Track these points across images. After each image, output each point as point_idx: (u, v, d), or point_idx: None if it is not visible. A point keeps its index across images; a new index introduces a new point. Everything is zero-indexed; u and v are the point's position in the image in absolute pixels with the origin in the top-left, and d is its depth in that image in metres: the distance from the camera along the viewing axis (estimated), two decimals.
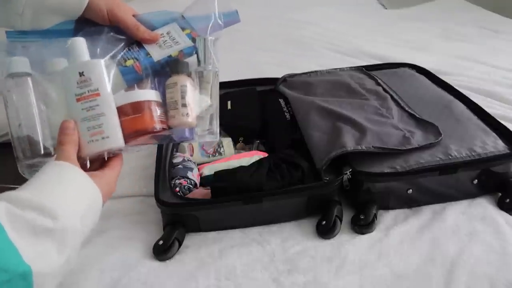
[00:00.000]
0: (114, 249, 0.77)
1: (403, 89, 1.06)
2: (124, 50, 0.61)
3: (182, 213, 0.79)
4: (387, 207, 0.83)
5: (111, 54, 0.59)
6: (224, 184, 0.81)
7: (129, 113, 0.57)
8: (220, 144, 0.97)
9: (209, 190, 0.82)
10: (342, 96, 1.04)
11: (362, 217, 0.78)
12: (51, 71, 0.55)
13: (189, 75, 0.61)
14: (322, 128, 0.91)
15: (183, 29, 0.63)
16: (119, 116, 0.56)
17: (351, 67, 1.23)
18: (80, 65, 0.54)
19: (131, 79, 0.59)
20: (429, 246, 0.74)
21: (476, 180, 0.82)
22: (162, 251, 0.74)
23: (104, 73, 0.55)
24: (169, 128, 0.60)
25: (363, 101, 1.00)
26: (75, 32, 0.59)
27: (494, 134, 0.87)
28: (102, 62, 0.56)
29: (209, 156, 0.95)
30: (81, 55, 0.55)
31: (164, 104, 0.60)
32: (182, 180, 0.84)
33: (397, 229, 0.78)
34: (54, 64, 0.55)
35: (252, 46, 1.74)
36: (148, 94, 0.58)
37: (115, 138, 0.55)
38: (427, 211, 0.82)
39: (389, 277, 0.69)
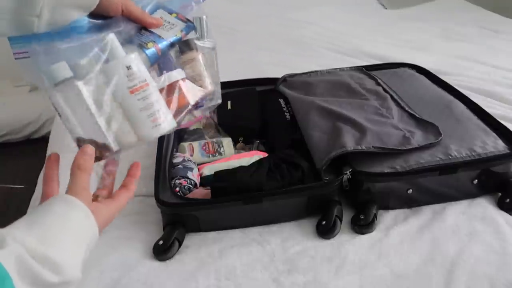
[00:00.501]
0: (114, 249, 0.77)
1: (403, 89, 1.07)
2: (138, 35, 0.63)
3: (182, 213, 0.79)
4: (387, 207, 0.83)
5: (134, 43, 0.62)
6: (224, 184, 0.81)
7: (169, 94, 0.60)
8: (220, 144, 0.97)
9: (209, 190, 0.82)
10: (342, 96, 1.04)
11: (362, 217, 0.78)
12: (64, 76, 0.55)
13: (197, 50, 0.66)
14: (322, 128, 0.91)
15: (170, 13, 0.67)
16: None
17: (351, 67, 1.23)
18: (125, 59, 0.56)
19: (154, 60, 0.63)
20: (429, 246, 0.74)
21: (476, 180, 0.82)
22: (162, 251, 0.74)
23: (143, 63, 0.58)
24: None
25: (363, 101, 1.00)
26: (90, 27, 0.59)
27: (494, 134, 0.87)
28: (138, 54, 0.58)
29: (209, 156, 0.95)
30: (119, 50, 0.57)
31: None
32: (182, 180, 0.84)
33: (397, 229, 0.78)
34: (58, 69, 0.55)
35: (252, 46, 1.74)
36: (178, 73, 0.62)
37: (170, 121, 0.59)
38: (427, 211, 0.82)
39: (389, 277, 0.69)
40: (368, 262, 0.72)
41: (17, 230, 0.43)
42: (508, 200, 0.82)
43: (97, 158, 0.55)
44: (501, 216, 0.80)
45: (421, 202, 0.83)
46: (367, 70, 1.19)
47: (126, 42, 0.61)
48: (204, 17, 0.67)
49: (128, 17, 0.61)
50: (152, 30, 0.63)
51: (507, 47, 1.68)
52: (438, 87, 1.09)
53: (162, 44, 0.62)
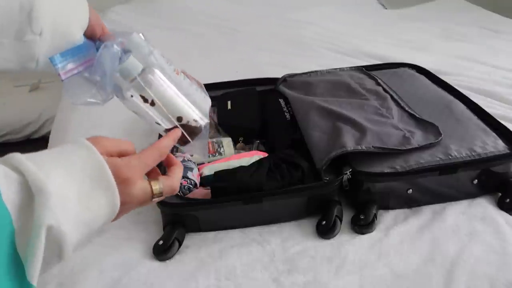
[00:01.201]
0: (114, 249, 0.77)
1: (403, 89, 1.07)
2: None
3: (182, 213, 0.79)
4: (387, 207, 0.83)
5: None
6: (224, 184, 0.81)
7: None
8: (220, 144, 0.97)
9: (209, 190, 0.82)
10: (342, 96, 1.04)
11: (362, 217, 0.78)
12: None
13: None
14: (322, 128, 0.91)
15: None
16: None
17: (351, 67, 1.23)
18: (157, 50, 0.57)
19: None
20: (429, 246, 0.74)
21: (476, 180, 0.82)
22: (162, 251, 0.74)
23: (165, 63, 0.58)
24: None
25: (363, 101, 1.00)
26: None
27: (494, 134, 0.88)
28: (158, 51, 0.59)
29: (209, 156, 0.95)
30: (145, 45, 0.56)
31: None
32: (182, 180, 0.84)
33: (397, 229, 0.78)
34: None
35: (252, 46, 1.74)
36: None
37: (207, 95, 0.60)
38: (427, 211, 0.82)
39: (389, 277, 0.69)
40: (368, 262, 0.72)
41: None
42: (508, 200, 0.82)
43: (184, 142, 0.55)
44: (501, 216, 0.80)
45: (421, 202, 0.83)
46: (367, 70, 1.19)
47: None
48: (140, 34, 0.61)
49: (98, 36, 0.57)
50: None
51: (507, 47, 1.68)
52: (438, 87, 1.09)
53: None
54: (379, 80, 1.11)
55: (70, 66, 0.51)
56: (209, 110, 0.59)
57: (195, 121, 0.56)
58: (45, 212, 0.37)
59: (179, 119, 0.55)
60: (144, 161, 0.48)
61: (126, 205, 0.46)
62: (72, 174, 0.41)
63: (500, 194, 0.84)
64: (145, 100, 0.53)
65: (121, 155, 0.48)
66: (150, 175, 0.52)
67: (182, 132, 0.55)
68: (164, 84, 0.54)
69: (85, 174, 0.42)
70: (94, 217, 0.42)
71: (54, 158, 0.42)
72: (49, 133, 1.34)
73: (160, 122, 0.55)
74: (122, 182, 0.45)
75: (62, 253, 0.40)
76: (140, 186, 0.48)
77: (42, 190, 0.38)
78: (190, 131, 0.55)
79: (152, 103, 0.53)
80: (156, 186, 0.49)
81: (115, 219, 0.48)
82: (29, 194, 0.38)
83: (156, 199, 0.50)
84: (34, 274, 0.37)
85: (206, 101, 0.59)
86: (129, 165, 0.46)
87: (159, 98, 0.53)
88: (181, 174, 0.54)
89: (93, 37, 0.56)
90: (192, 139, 0.56)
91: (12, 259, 0.36)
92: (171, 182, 0.51)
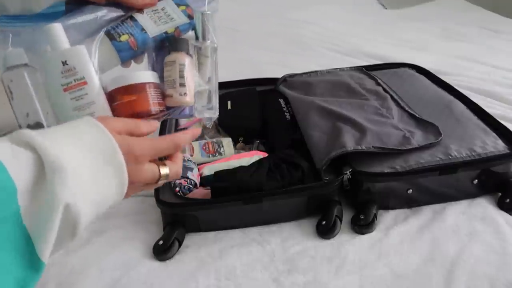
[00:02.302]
0: (114, 249, 0.77)
1: (403, 89, 1.07)
2: (118, 24, 0.58)
3: (182, 213, 0.79)
4: (387, 207, 0.83)
5: (103, 30, 0.57)
6: (224, 184, 0.81)
7: (123, 96, 0.55)
8: (220, 144, 0.97)
9: (209, 190, 0.82)
10: (342, 96, 1.04)
11: (362, 217, 0.78)
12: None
13: (188, 52, 0.60)
14: (322, 128, 0.91)
15: (178, 5, 0.61)
16: (114, 100, 0.55)
17: (351, 67, 1.23)
18: (62, 54, 0.52)
19: (126, 55, 0.58)
20: (429, 246, 0.74)
21: (476, 180, 0.82)
22: (162, 251, 0.74)
23: (89, 59, 0.53)
24: (167, 107, 0.59)
25: (363, 101, 1.00)
26: (66, 13, 0.57)
27: (494, 134, 0.87)
28: (84, 48, 0.54)
29: (209, 156, 0.95)
30: (60, 42, 0.52)
31: (162, 82, 0.59)
32: (182, 180, 0.84)
33: (397, 229, 0.78)
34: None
35: (252, 46, 1.74)
36: (143, 76, 0.56)
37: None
38: (427, 211, 0.82)
39: (389, 277, 0.69)
40: (368, 262, 0.72)
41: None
42: (508, 200, 0.81)
43: None
44: (501, 216, 0.80)
45: (421, 202, 0.83)
46: (367, 70, 1.19)
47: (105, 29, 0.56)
48: (208, 12, 0.60)
49: (117, 1, 0.57)
50: (140, 21, 0.58)
51: (507, 47, 1.68)
52: (438, 87, 1.09)
53: (141, 38, 0.57)
54: (379, 80, 1.11)
55: None
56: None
57: (38, 124, 0.54)
58: (63, 190, 0.37)
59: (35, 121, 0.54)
60: (157, 146, 0.49)
61: (133, 185, 0.46)
62: (84, 152, 0.41)
63: (500, 194, 0.84)
64: (7, 89, 0.54)
65: (131, 133, 0.48)
66: (155, 160, 0.51)
67: None
68: (27, 89, 0.53)
69: (96, 153, 0.41)
70: (104, 197, 0.42)
71: (65, 134, 0.41)
72: None
73: (15, 115, 0.55)
74: (132, 160, 0.45)
75: (75, 232, 0.39)
76: (149, 167, 0.48)
77: (58, 167, 0.37)
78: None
79: (12, 97, 0.54)
80: (164, 170, 0.50)
81: (134, 116, 0.50)
82: (41, 170, 0.37)
83: (161, 182, 0.50)
84: (45, 251, 0.37)
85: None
86: (141, 145, 0.47)
87: (16, 95, 0.53)
88: (182, 160, 0.54)
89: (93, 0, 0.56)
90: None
91: (19, 236, 0.36)
92: (177, 168, 0.52)
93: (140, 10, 0.59)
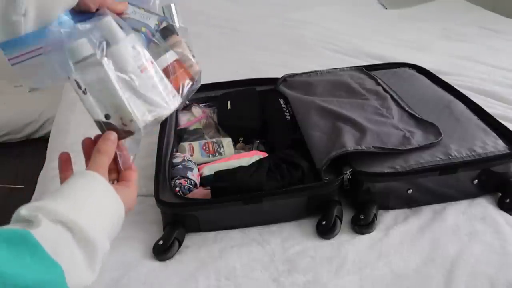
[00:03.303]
0: (114, 249, 0.75)
1: (403, 89, 1.06)
2: (126, 21, 0.63)
3: (182, 213, 0.79)
4: (387, 207, 0.83)
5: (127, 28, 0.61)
6: (224, 184, 0.81)
7: (169, 75, 0.60)
8: (220, 144, 0.97)
9: (209, 190, 0.82)
10: (342, 96, 1.04)
11: (362, 217, 0.78)
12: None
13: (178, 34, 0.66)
14: (322, 128, 0.91)
15: (138, 7, 0.67)
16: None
17: (351, 67, 1.23)
18: (129, 40, 0.56)
19: (147, 44, 0.63)
20: (429, 246, 0.74)
21: (476, 180, 0.82)
22: (162, 251, 0.74)
23: (142, 45, 0.58)
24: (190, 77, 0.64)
25: (363, 101, 1.00)
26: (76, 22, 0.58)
27: (494, 134, 0.87)
28: (134, 35, 0.58)
29: (209, 156, 0.95)
30: (119, 32, 0.55)
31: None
32: (182, 180, 0.84)
33: (397, 229, 0.78)
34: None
35: (252, 46, 1.74)
36: (170, 55, 0.62)
37: (177, 97, 0.60)
38: (427, 211, 0.82)
39: (389, 277, 0.69)
40: (368, 262, 0.72)
41: (46, 202, 0.44)
42: (508, 200, 0.81)
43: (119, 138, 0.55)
44: (501, 216, 0.80)
45: (421, 202, 0.83)
46: (367, 70, 1.19)
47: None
48: (172, 4, 0.68)
49: (107, 6, 0.59)
50: (137, 18, 0.63)
51: (507, 47, 1.68)
52: (438, 87, 1.09)
53: (151, 29, 0.63)
54: (379, 80, 1.11)
55: (20, 52, 0.53)
56: (177, 109, 0.61)
57: (131, 121, 0.54)
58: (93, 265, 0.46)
59: (107, 116, 0.54)
60: (96, 167, 0.51)
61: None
62: (105, 221, 0.49)
63: (500, 194, 0.84)
64: (79, 86, 0.53)
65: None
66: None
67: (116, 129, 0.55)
68: (107, 78, 0.53)
69: (113, 218, 0.50)
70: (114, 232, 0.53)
71: (90, 204, 0.47)
72: (49, 133, 1.34)
73: (89, 111, 0.55)
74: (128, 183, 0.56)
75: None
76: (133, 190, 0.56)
77: (91, 244, 0.45)
78: (116, 131, 0.54)
79: (85, 92, 0.53)
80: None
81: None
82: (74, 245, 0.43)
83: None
84: None
85: (169, 103, 0.58)
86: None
87: (92, 89, 0.53)
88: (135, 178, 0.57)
89: (88, 11, 0.57)
90: (119, 139, 0.55)
91: None
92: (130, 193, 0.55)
93: (122, 14, 0.63)
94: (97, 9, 0.58)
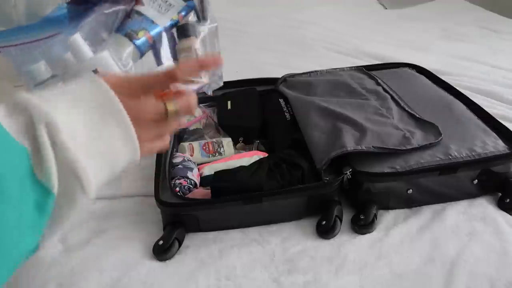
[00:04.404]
0: (114, 249, 0.77)
1: (403, 89, 1.06)
2: (128, 20, 0.60)
3: (182, 213, 0.79)
4: (387, 207, 0.83)
5: (123, 32, 0.59)
6: (224, 184, 0.81)
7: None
8: (220, 144, 0.97)
9: (209, 190, 0.82)
10: (342, 96, 1.04)
11: (362, 217, 0.78)
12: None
13: (196, 35, 0.61)
14: (322, 128, 0.91)
15: None
16: None
17: (351, 67, 1.23)
18: (90, 64, 0.53)
19: (145, 49, 0.60)
20: (429, 246, 0.74)
21: (476, 180, 0.82)
22: (162, 251, 0.74)
23: (114, 63, 0.55)
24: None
25: (363, 101, 1.00)
26: (70, 15, 0.57)
27: (494, 134, 0.87)
28: (107, 53, 0.55)
29: (209, 156, 0.95)
30: (84, 52, 0.54)
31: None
32: (182, 180, 0.84)
33: (397, 229, 0.78)
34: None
35: (252, 46, 1.74)
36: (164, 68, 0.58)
37: None
38: (427, 211, 0.82)
39: (389, 277, 0.69)
40: (368, 262, 0.72)
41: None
42: (508, 200, 0.82)
43: None
44: (501, 216, 0.80)
45: (421, 202, 0.83)
46: (367, 70, 1.19)
47: (115, 27, 0.58)
48: None
49: None
50: (145, 14, 0.59)
51: (507, 47, 1.68)
52: (438, 87, 1.09)
53: (155, 31, 0.59)
54: (379, 80, 1.11)
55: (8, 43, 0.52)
56: None
57: None
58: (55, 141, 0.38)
59: None
60: (144, 77, 0.46)
61: (138, 122, 0.44)
62: (78, 106, 0.41)
63: (500, 194, 0.84)
64: None
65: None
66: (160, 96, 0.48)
67: None
68: None
69: (91, 104, 0.41)
70: (108, 147, 0.42)
71: (57, 92, 0.42)
72: None
73: None
74: (127, 96, 0.44)
75: (83, 185, 0.40)
76: (148, 100, 0.45)
77: (49, 122, 0.38)
78: None
79: None
80: (171, 104, 0.46)
81: (146, 152, 0.46)
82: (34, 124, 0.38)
83: (172, 118, 0.47)
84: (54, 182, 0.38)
85: None
86: (128, 77, 0.46)
87: None
88: (193, 93, 0.49)
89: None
90: None
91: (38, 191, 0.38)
92: (187, 100, 0.47)
93: (138, 1, 0.60)
94: None
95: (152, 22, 0.60)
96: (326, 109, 0.96)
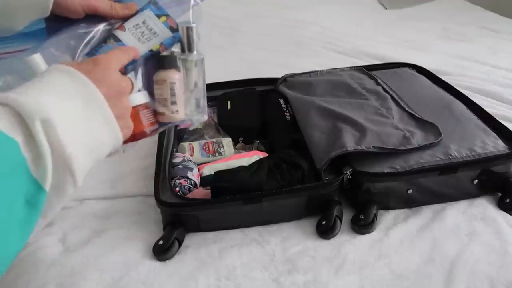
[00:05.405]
0: (114, 249, 0.77)
1: (403, 89, 1.07)
2: (101, 46, 0.57)
3: (182, 213, 0.79)
4: (387, 207, 0.83)
5: (85, 51, 0.56)
6: (224, 184, 0.81)
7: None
8: (220, 144, 0.97)
9: (209, 190, 0.82)
10: (342, 96, 1.04)
11: (362, 217, 0.78)
12: None
13: (176, 68, 0.59)
14: (322, 128, 0.91)
15: (158, 16, 0.60)
16: None
17: (351, 67, 1.23)
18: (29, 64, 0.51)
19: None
20: (429, 246, 0.74)
21: (476, 180, 0.82)
22: (162, 251, 0.74)
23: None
24: (160, 123, 0.59)
25: (363, 101, 1.00)
26: (48, 32, 0.56)
27: (494, 134, 0.87)
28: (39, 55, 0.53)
29: (209, 156, 0.95)
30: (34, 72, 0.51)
31: (151, 97, 0.59)
32: (182, 180, 0.84)
33: (397, 229, 0.78)
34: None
35: (252, 46, 1.74)
36: (134, 99, 0.55)
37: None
38: (427, 211, 0.82)
39: (389, 277, 0.69)
40: (368, 262, 0.72)
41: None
42: (508, 200, 0.82)
43: None
44: (501, 216, 0.80)
45: (421, 202, 0.83)
46: (367, 70, 1.19)
47: (86, 51, 0.55)
48: (193, 25, 0.61)
49: (96, 15, 0.55)
50: (123, 39, 0.57)
51: (507, 47, 1.69)
52: (438, 87, 1.09)
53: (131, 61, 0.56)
54: (379, 80, 1.11)
55: None
56: None
57: None
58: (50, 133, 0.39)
59: None
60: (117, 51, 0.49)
61: (109, 92, 0.46)
62: (64, 98, 0.42)
63: (500, 194, 0.84)
64: None
65: None
66: None
67: None
68: None
69: (77, 97, 0.43)
70: (96, 138, 0.44)
71: (38, 87, 0.42)
72: None
73: None
74: (97, 64, 0.46)
75: (76, 179, 0.41)
76: (118, 74, 0.49)
77: (45, 118, 0.39)
78: None
79: None
80: None
81: (130, 138, 0.51)
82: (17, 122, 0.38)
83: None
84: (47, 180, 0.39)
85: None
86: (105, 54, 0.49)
87: None
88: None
89: (76, 16, 0.55)
90: None
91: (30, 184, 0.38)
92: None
93: (121, 26, 0.59)
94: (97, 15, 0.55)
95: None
96: (326, 109, 0.96)
